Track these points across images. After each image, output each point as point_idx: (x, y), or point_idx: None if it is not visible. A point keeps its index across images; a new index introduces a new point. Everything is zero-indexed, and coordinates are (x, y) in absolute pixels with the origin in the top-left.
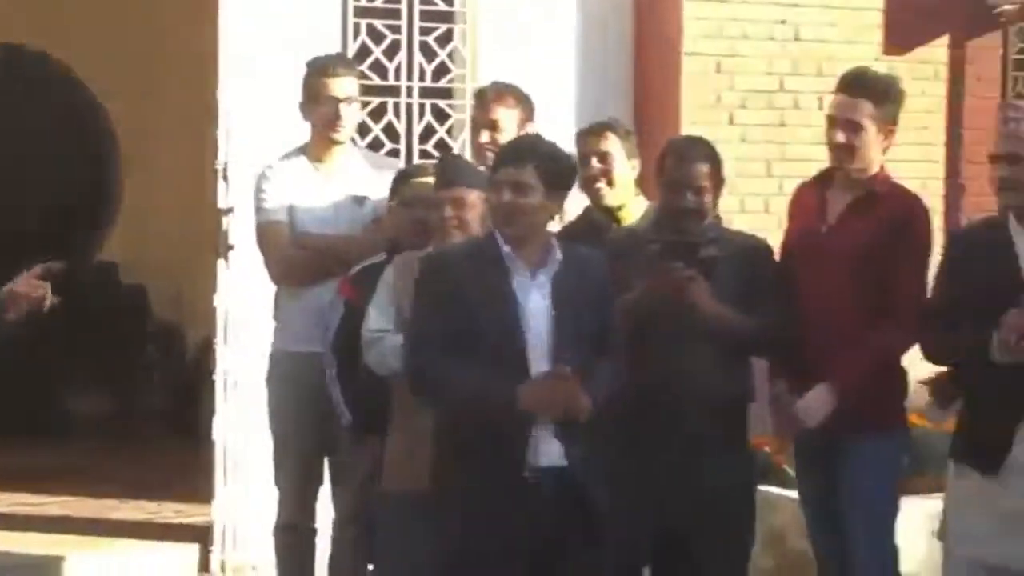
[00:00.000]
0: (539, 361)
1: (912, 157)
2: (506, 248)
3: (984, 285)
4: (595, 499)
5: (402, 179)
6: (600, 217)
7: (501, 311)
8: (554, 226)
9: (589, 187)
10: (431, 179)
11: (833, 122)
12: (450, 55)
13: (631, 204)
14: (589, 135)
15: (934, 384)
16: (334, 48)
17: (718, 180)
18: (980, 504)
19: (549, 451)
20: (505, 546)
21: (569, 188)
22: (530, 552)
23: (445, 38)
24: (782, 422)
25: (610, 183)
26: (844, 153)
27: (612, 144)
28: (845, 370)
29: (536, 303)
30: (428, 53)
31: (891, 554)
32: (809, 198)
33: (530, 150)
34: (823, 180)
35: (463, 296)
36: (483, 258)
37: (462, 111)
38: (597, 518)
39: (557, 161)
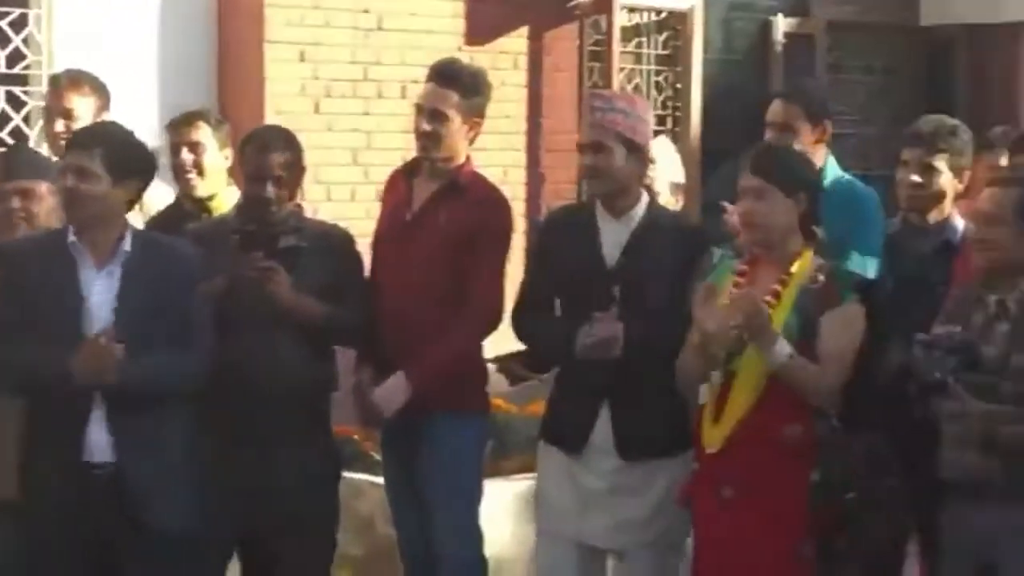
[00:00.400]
0: None
1: (494, 146)
2: (72, 238)
3: (570, 272)
4: (145, 497)
5: None
6: (191, 207)
7: (62, 303)
8: (136, 216)
9: (180, 177)
10: None
11: (420, 111)
12: (25, 41)
13: (223, 194)
14: (180, 125)
15: (501, 363)
16: None
17: (298, 169)
18: (565, 482)
19: (101, 446)
20: (66, 548)
21: (144, 176)
22: (90, 554)
23: (19, 23)
24: (363, 411)
25: (201, 173)
26: (429, 142)
27: (203, 134)
28: (422, 358)
29: (101, 295)
30: (1, 38)
31: (474, 536)
32: (397, 186)
33: (98, 136)
34: (411, 169)
35: (29, 287)
36: (52, 248)
37: (39, 98)
38: (147, 519)
39: (128, 148)
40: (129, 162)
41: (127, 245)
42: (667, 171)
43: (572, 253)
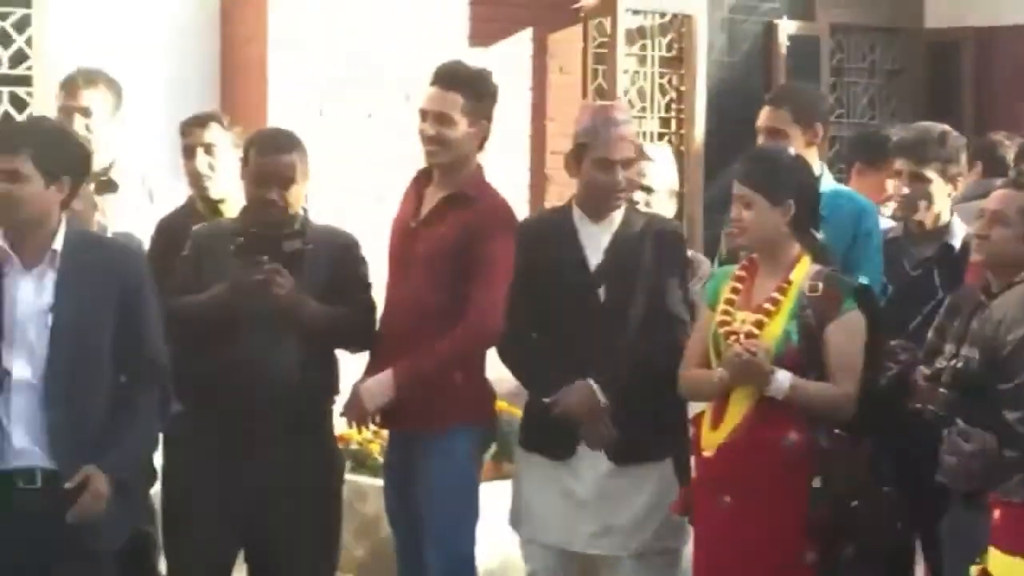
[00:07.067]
0: (23, 367)
1: (497, 150)
2: (1, 241)
3: (552, 277)
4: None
5: None
6: (202, 209)
7: None
8: (104, 218)
9: (194, 179)
10: None
11: (425, 115)
12: (28, 41)
13: (233, 197)
14: (193, 126)
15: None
16: None
17: (304, 172)
18: (549, 489)
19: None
20: None
21: (80, 173)
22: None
23: (22, 23)
24: (349, 406)
25: (214, 175)
26: (435, 146)
27: (216, 135)
28: (407, 363)
29: (28, 299)
30: (3, 39)
31: (463, 551)
32: (410, 193)
33: (26, 136)
34: (426, 176)
35: None
36: None
37: (42, 99)
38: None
39: (58, 146)
40: (60, 161)
41: (58, 244)
42: (666, 177)
43: (553, 258)
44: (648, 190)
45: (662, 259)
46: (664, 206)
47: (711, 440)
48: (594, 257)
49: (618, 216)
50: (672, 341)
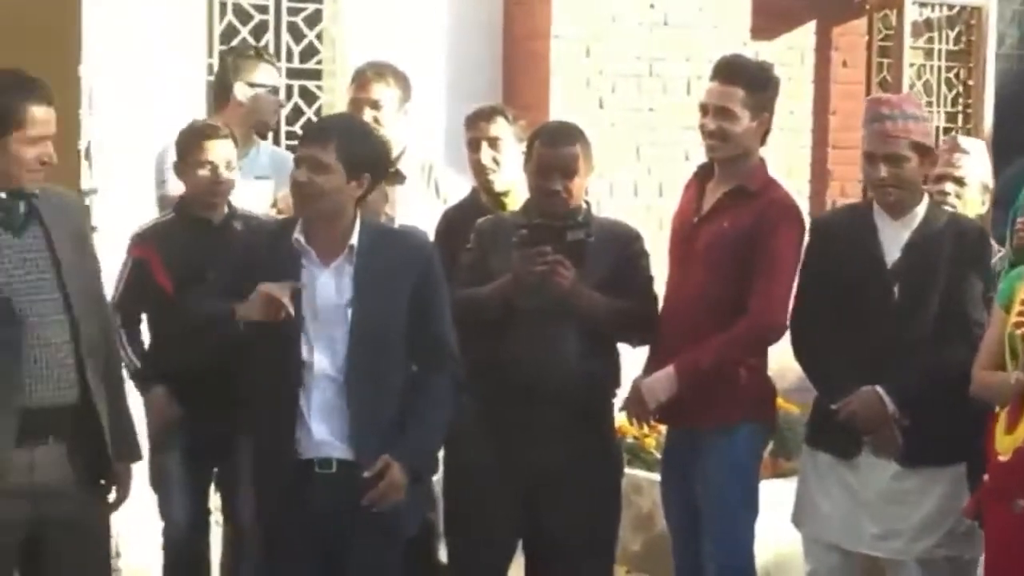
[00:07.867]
0: (323, 361)
1: (779, 142)
2: (298, 234)
3: (847, 273)
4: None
5: (194, 138)
6: (487, 202)
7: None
8: (392, 209)
9: (479, 172)
10: (225, 140)
11: (706, 110)
12: (318, 35)
13: (517, 189)
14: (478, 119)
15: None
16: (199, 28)
17: (587, 165)
18: (833, 488)
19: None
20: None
21: (378, 172)
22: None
23: (313, 18)
24: (629, 403)
25: (499, 168)
26: (716, 140)
27: (501, 129)
28: (689, 358)
29: (328, 294)
30: (296, 33)
31: (743, 549)
32: (691, 187)
33: (334, 129)
34: (707, 170)
35: (256, 276)
36: (280, 238)
37: (331, 92)
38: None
39: (363, 143)
40: (362, 157)
41: (354, 239)
42: (980, 172)
43: (850, 254)
44: (960, 182)
45: (961, 258)
46: (975, 200)
47: (1006, 444)
48: (891, 254)
49: (920, 213)
50: (967, 342)
